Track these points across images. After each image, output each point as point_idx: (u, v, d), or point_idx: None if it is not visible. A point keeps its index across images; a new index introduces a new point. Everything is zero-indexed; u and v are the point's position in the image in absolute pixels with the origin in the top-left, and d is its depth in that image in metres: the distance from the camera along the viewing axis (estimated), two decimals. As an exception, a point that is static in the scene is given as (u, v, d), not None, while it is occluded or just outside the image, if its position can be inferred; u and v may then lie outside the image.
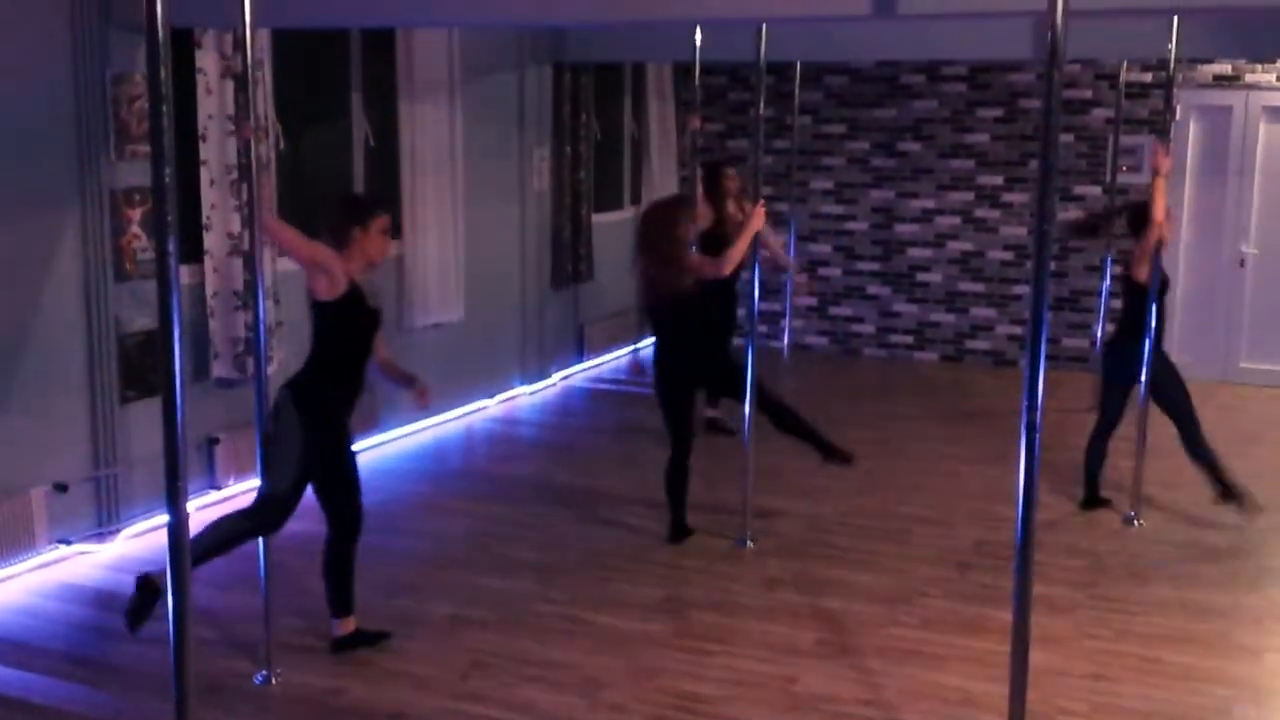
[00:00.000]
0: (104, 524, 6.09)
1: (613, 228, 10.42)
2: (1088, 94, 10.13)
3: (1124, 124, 9.23)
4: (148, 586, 4.39)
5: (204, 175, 6.38)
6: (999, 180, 10.54)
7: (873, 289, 11.04)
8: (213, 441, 6.69)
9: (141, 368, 6.15)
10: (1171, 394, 6.50)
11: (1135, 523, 6.53)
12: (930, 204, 10.75)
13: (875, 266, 11.00)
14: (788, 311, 9.91)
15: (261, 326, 4.57)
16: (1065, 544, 6.19)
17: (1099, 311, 9.24)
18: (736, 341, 7.26)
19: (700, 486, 6.72)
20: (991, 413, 8.94)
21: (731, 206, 7.92)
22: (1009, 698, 3.77)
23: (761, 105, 6.03)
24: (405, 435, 8.09)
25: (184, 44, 6.17)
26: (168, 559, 3.27)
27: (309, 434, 4.61)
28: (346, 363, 4.73)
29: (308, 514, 4.77)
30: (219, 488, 6.73)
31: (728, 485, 6.67)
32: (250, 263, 4.59)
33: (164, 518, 3.40)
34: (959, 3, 4.70)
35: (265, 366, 4.66)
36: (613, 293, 10.42)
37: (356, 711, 4.44)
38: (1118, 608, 5.44)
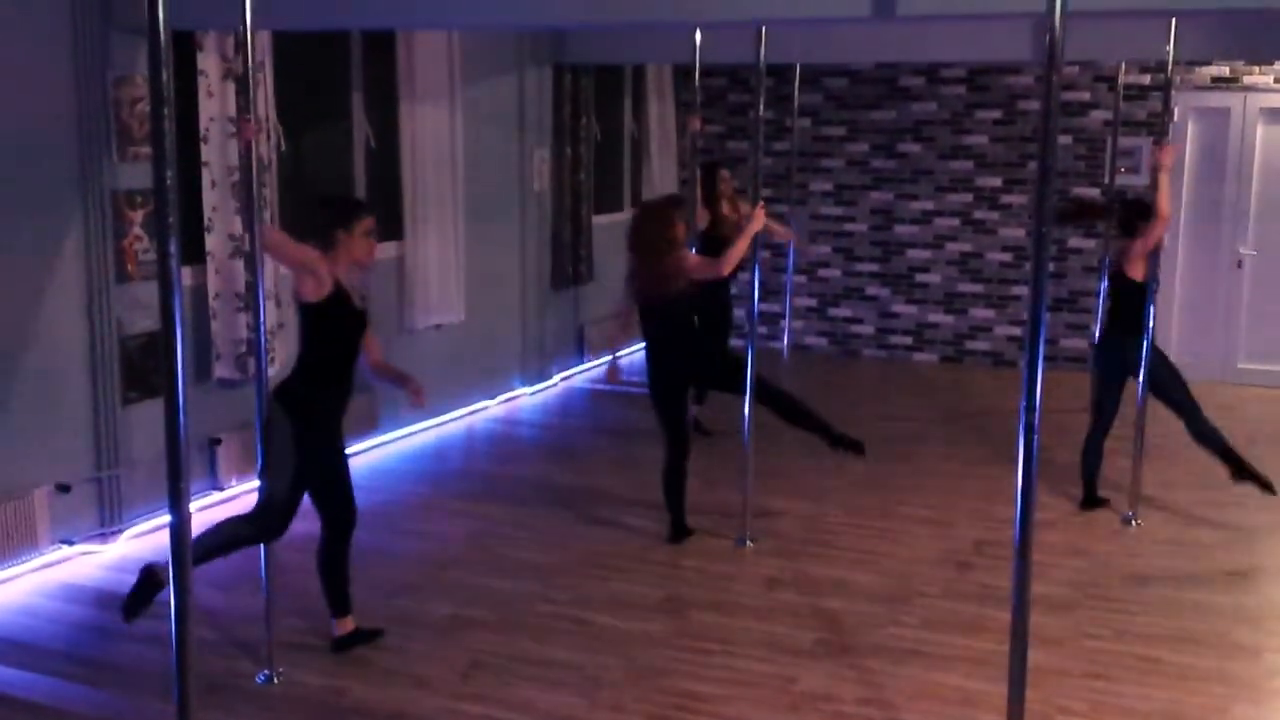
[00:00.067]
0: (106, 524, 6.10)
1: (613, 229, 10.42)
2: (1086, 96, 10.15)
3: (1122, 126, 9.24)
4: (150, 578, 4.41)
5: (205, 177, 6.39)
6: (998, 182, 10.55)
7: (872, 290, 11.05)
8: (215, 442, 6.71)
9: (143, 369, 6.16)
10: (1170, 387, 6.52)
11: (1134, 522, 6.54)
12: (929, 205, 10.77)
13: (874, 268, 11.02)
14: (787, 312, 9.92)
15: (263, 328, 4.59)
16: (1064, 544, 6.21)
17: (1097, 312, 9.25)
18: (736, 343, 7.27)
19: (700, 487, 6.74)
20: (990, 413, 8.96)
21: (726, 208, 7.94)
22: (1008, 697, 3.78)
23: (761, 107, 6.04)
24: (406, 436, 8.11)
25: (185, 46, 6.19)
26: (170, 559, 3.29)
27: (300, 437, 4.63)
28: (334, 364, 4.74)
29: (309, 514, 4.79)
30: (221, 488, 6.74)
31: (727, 485, 6.69)
32: (252, 264, 4.60)
33: (166, 518, 3.41)
34: (958, 4, 4.71)
35: (266, 367, 4.68)
36: (613, 294, 10.41)
37: (357, 711, 4.45)
38: (1116, 607, 5.45)
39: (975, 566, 5.92)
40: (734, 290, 9.54)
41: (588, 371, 10.21)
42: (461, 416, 8.70)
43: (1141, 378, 6.48)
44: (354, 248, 4.73)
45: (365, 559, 5.58)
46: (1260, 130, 9.83)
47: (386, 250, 7.95)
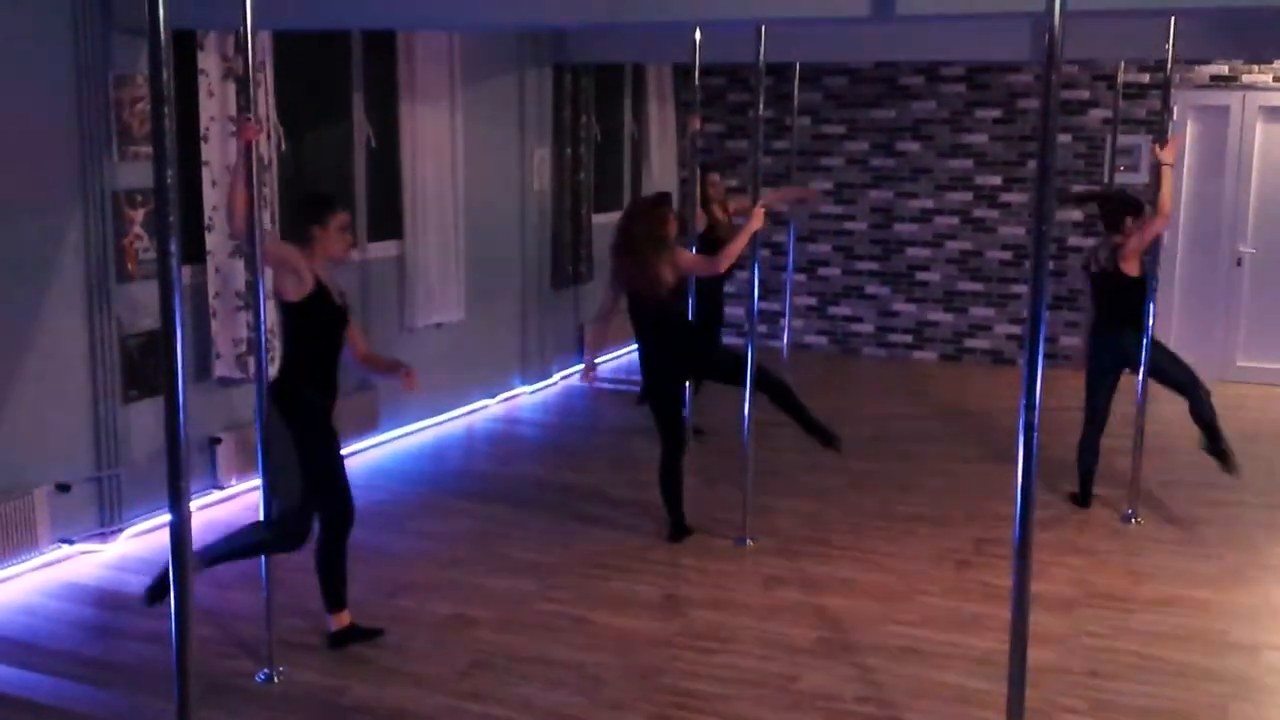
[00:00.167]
0: (106, 524, 6.11)
1: (613, 228, 10.40)
2: (1085, 95, 10.15)
3: (1121, 124, 9.26)
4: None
5: (206, 176, 6.40)
6: (997, 180, 10.56)
7: (872, 288, 11.06)
8: (215, 441, 6.71)
9: (143, 368, 6.17)
10: (1172, 370, 6.56)
11: (1133, 521, 6.55)
12: (929, 204, 10.77)
13: (874, 266, 11.02)
14: (787, 311, 9.92)
15: (263, 327, 4.59)
16: (1064, 542, 6.21)
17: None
18: (737, 341, 7.27)
19: (700, 485, 6.75)
20: (990, 411, 8.96)
21: (718, 211, 7.94)
22: (1008, 695, 3.79)
23: (761, 106, 6.05)
24: (405, 435, 8.11)
25: (186, 46, 6.19)
26: (170, 558, 3.30)
27: (299, 437, 4.65)
28: (320, 361, 4.77)
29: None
30: (221, 487, 6.75)
31: (727, 484, 6.69)
32: (252, 263, 4.61)
33: (166, 517, 3.41)
34: (957, 4, 4.71)
35: (266, 367, 4.68)
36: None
37: (358, 710, 4.46)
38: (1116, 606, 5.45)
39: (975, 565, 5.92)
40: (733, 289, 9.56)
41: (597, 368, 10.19)
42: (461, 415, 8.71)
43: (1141, 375, 6.49)
44: (329, 244, 4.73)
45: (365, 558, 5.59)
46: (1259, 129, 9.83)
47: (387, 249, 7.96)
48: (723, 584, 5.68)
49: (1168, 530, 6.47)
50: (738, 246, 6.05)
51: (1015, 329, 10.61)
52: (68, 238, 5.86)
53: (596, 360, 6.53)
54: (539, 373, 9.61)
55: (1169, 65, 6.20)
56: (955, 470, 7.51)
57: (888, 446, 8.05)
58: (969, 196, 10.65)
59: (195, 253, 6.41)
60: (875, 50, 8.95)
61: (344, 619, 4.96)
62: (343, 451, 4.98)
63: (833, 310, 11.20)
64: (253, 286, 4.58)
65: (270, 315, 6.36)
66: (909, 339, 11.00)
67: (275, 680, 4.65)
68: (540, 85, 9.41)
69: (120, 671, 4.73)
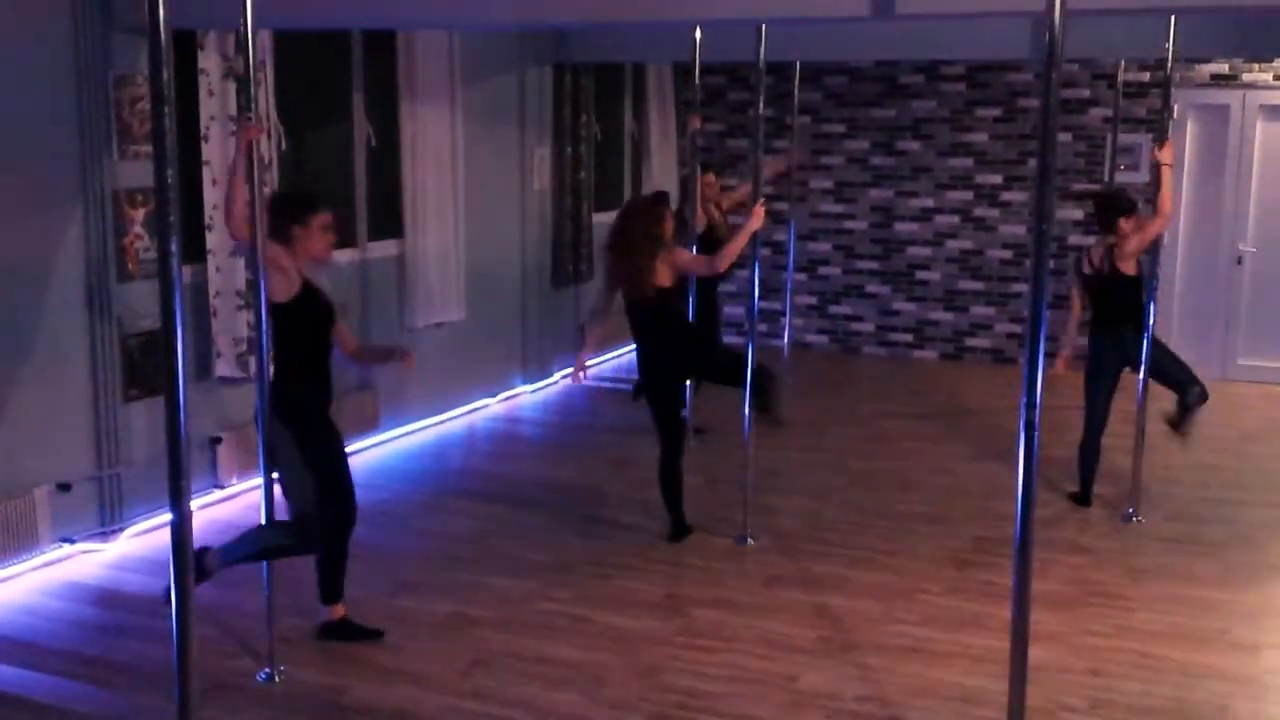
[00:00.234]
0: (107, 523, 6.11)
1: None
2: (1086, 93, 10.15)
3: (1122, 123, 9.25)
4: (198, 564, 4.49)
5: (206, 175, 6.40)
6: (998, 179, 10.55)
7: (872, 287, 11.05)
8: (215, 441, 6.71)
9: (144, 367, 6.17)
10: (1171, 369, 6.57)
11: (1134, 519, 6.55)
12: (929, 203, 10.77)
13: (875, 265, 11.02)
14: (788, 310, 9.93)
15: (264, 326, 4.59)
16: (1064, 541, 6.21)
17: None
18: (737, 340, 7.27)
19: (700, 485, 6.75)
20: (991, 410, 8.96)
21: (714, 211, 7.95)
22: (1008, 694, 3.80)
23: (761, 105, 6.04)
24: (406, 434, 8.11)
25: (186, 45, 6.19)
26: (171, 558, 3.30)
27: (300, 438, 4.67)
28: (312, 360, 4.79)
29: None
30: (221, 486, 6.75)
31: (728, 483, 6.70)
32: (252, 262, 4.61)
33: (167, 517, 3.42)
34: (957, 3, 4.71)
35: (267, 366, 4.68)
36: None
37: (359, 709, 4.46)
38: (1116, 604, 5.45)
39: (975, 563, 5.92)
40: (734, 288, 9.56)
41: (589, 369, 10.19)
42: (462, 415, 8.71)
43: (1142, 374, 6.50)
44: (311, 243, 4.73)
45: (366, 557, 5.59)
46: (1260, 127, 9.83)
47: (387, 249, 7.97)
48: (723, 583, 5.68)
49: (1168, 529, 6.47)
50: (737, 246, 6.03)
51: (1016, 328, 10.61)
52: (68, 237, 5.86)
53: (589, 362, 6.52)
54: (540, 372, 9.62)
55: (1169, 64, 6.20)
56: (956, 469, 7.51)
57: (888, 445, 8.05)
58: (969, 195, 10.64)
59: (196, 252, 6.41)
60: (875, 49, 8.94)
61: (338, 611, 4.99)
62: (346, 449, 4.98)
63: (833, 309, 11.20)
64: (253, 285, 4.59)
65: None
66: (909, 338, 11.00)
67: (276, 680, 4.65)
68: (541, 84, 9.41)
69: (121, 671, 4.73)
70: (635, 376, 6.30)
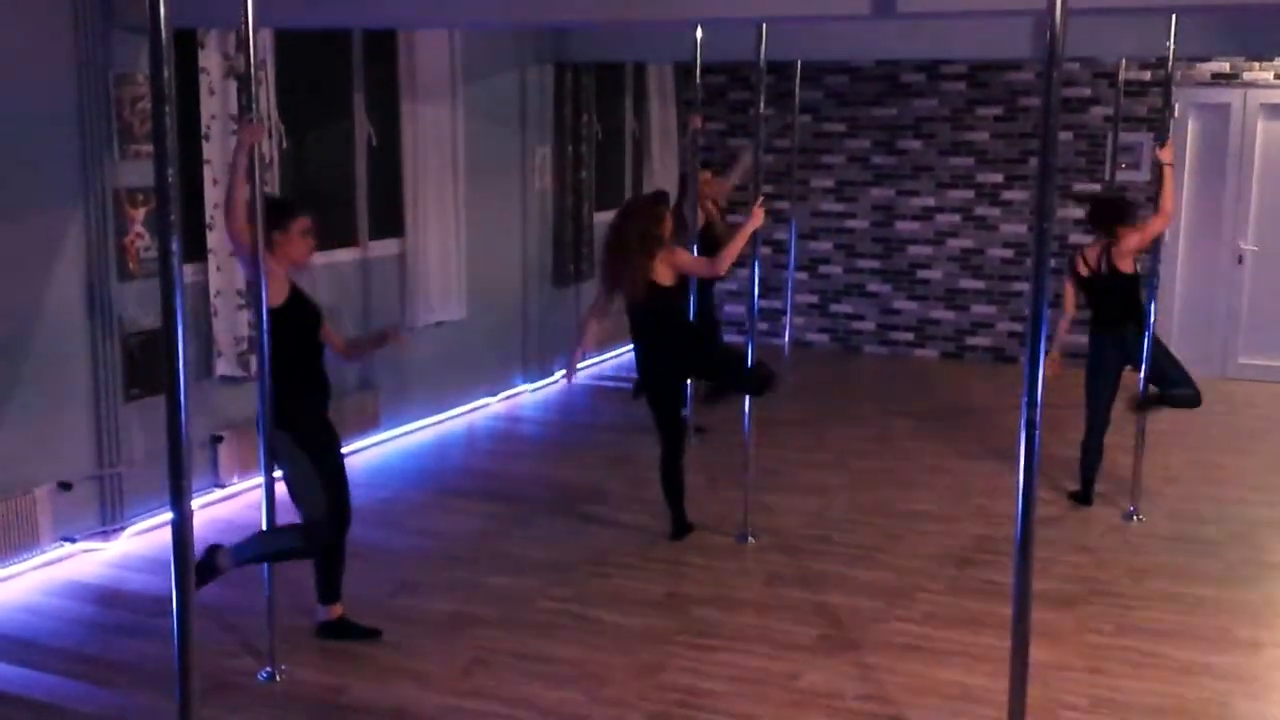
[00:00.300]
0: (108, 522, 6.11)
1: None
2: (1087, 92, 10.15)
3: (1123, 122, 9.24)
4: (208, 562, 4.55)
5: (207, 174, 6.40)
6: (999, 178, 10.55)
7: (873, 286, 11.05)
8: (216, 440, 6.72)
9: (145, 366, 6.17)
10: (1170, 370, 6.58)
11: (1134, 518, 6.55)
12: (930, 202, 10.77)
13: (876, 264, 11.02)
14: (789, 308, 9.93)
15: (264, 324, 4.59)
16: (1065, 539, 6.21)
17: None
18: (738, 338, 7.27)
19: (701, 483, 6.75)
20: (991, 409, 8.96)
21: (711, 208, 7.96)
22: (1009, 692, 3.80)
23: (762, 104, 6.04)
24: (407, 433, 8.12)
25: (187, 44, 6.19)
26: (171, 557, 3.30)
27: (301, 440, 4.67)
28: (306, 363, 4.80)
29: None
30: (222, 485, 6.75)
31: (728, 482, 6.70)
32: (254, 258, 4.60)
33: (167, 515, 3.42)
34: (958, 1, 4.71)
35: (268, 365, 4.68)
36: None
37: (359, 708, 4.46)
38: (1117, 602, 5.45)
39: (976, 562, 5.92)
40: (735, 286, 9.55)
41: (590, 368, 10.21)
42: (463, 414, 8.71)
43: (1143, 372, 6.50)
44: (291, 248, 4.73)
45: (366, 556, 5.60)
46: (1260, 126, 9.83)
47: (388, 248, 7.97)
48: (724, 581, 5.68)
49: (1169, 527, 6.47)
50: (737, 247, 6.00)
51: (1017, 326, 10.61)
52: (69, 236, 5.86)
53: (579, 365, 6.52)
54: (540, 371, 9.62)
55: (1170, 63, 6.20)
56: (956, 468, 7.51)
57: (889, 444, 8.05)
58: (970, 194, 10.64)
59: (196, 251, 6.41)
60: (876, 48, 8.94)
61: (336, 610, 5.00)
62: (343, 450, 4.99)
63: (834, 308, 11.20)
64: (254, 284, 4.58)
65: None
66: (910, 337, 11.00)
67: (277, 678, 4.65)
68: (541, 83, 9.41)
69: (121, 670, 4.73)
70: (635, 375, 6.30)
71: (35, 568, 5.72)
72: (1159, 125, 6.47)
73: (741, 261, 6.74)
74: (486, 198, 8.81)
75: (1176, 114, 9.59)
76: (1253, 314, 10.07)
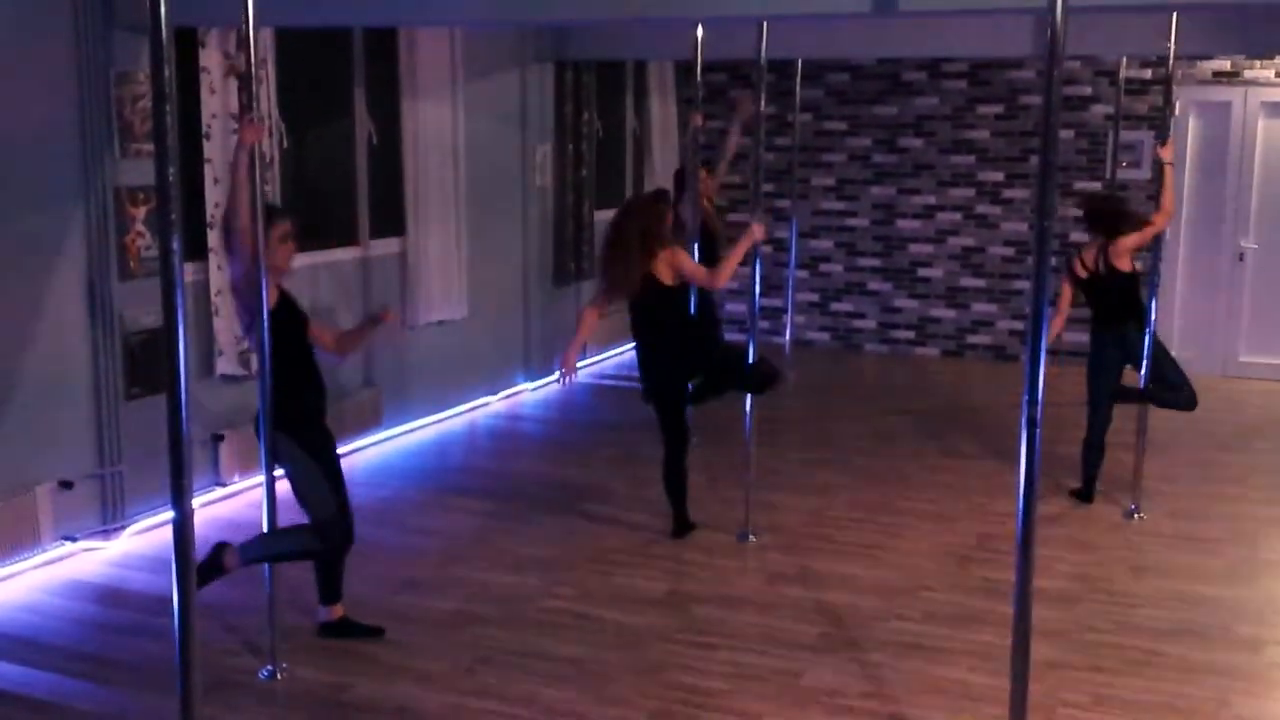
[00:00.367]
0: (109, 521, 6.11)
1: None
2: (1087, 90, 10.15)
3: (1123, 120, 9.23)
4: (214, 561, 4.58)
5: (208, 173, 6.40)
6: (999, 176, 10.55)
7: (874, 285, 11.05)
8: (217, 438, 6.72)
9: (146, 365, 6.17)
10: (1169, 371, 6.58)
11: (1136, 516, 6.55)
12: (931, 200, 10.77)
13: (876, 262, 11.02)
14: (789, 307, 9.93)
15: (265, 324, 4.58)
16: (1066, 538, 6.21)
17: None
18: (739, 337, 7.26)
19: (702, 482, 6.75)
20: (992, 407, 8.96)
21: (705, 205, 7.95)
22: (1010, 690, 3.79)
23: (762, 102, 6.04)
24: (408, 432, 8.12)
25: (187, 43, 6.19)
26: (173, 556, 3.30)
27: (302, 442, 4.67)
28: (299, 365, 4.80)
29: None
30: (223, 484, 6.75)
31: (729, 480, 6.70)
32: (254, 260, 4.60)
33: (168, 514, 3.42)
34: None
35: (268, 364, 4.68)
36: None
37: (362, 706, 4.46)
38: (1118, 601, 5.46)
39: (977, 560, 5.92)
40: (736, 285, 9.53)
41: (590, 366, 10.22)
42: (464, 412, 8.71)
43: (1144, 370, 6.50)
44: (271, 255, 4.71)
45: (368, 555, 5.60)
46: (1261, 124, 9.83)
47: (389, 246, 7.97)
48: (726, 579, 5.69)
49: (1170, 525, 6.47)
50: (734, 261, 5.97)
51: (1017, 324, 10.61)
52: (69, 235, 5.86)
53: (578, 365, 6.50)
54: (541, 369, 9.61)
55: (1171, 61, 6.20)
56: (957, 466, 7.51)
57: (890, 442, 8.05)
58: (971, 192, 10.64)
59: (197, 250, 6.41)
60: (877, 46, 8.94)
61: (337, 611, 5.00)
62: (342, 451, 4.99)
63: (835, 306, 11.20)
64: (255, 283, 4.58)
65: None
66: (911, 335, 11.00)
67: (278, 677, 4.65)
68: (542, 82, 9.41)
69: (122, 669, 4.73)
70: (639, 375, 6.29)
71: (36, 566, 5.72)
72: (1160, 123, 6.47)
73: (743, 260, 6.73)
74: (487, 196, 8.81)
75: (1177, 112, 9.60)
76: (1253, 312, 10.07)
